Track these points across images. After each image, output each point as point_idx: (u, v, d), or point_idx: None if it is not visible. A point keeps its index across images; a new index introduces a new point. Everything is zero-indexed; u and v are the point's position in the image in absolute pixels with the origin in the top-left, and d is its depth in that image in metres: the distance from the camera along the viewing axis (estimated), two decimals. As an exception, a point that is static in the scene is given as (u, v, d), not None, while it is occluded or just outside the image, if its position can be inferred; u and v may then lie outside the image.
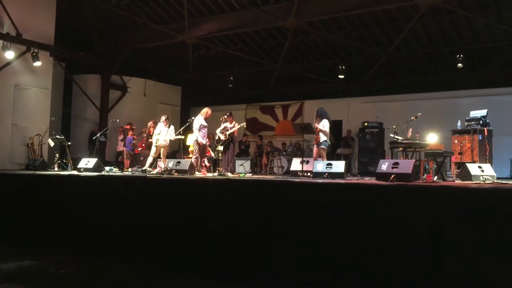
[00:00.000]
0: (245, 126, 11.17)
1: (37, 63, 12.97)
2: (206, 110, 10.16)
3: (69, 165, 10.82)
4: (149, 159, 10.80)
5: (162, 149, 10.53)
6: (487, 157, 8.26)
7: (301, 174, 8.61)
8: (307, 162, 8.88)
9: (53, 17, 13.72)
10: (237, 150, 14.36)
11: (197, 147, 9.95)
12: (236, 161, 13.61)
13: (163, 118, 10.78)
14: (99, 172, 8.98)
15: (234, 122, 10.32)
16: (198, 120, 10.02)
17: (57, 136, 11.36)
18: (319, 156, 8.90)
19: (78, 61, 15.55)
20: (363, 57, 15.34)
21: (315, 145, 9.02)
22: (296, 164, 9.12)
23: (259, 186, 6.20)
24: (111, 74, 15.83)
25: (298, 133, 9.57)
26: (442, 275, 4.34)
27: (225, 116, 10.44)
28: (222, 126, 10.35)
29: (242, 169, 13.11)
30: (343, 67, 15.06)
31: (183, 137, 11.00)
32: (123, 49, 15.61)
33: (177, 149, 12.56)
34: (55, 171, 10.09)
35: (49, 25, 13.66)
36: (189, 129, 11.01)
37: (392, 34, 13.67)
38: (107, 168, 9.97)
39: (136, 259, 6.28)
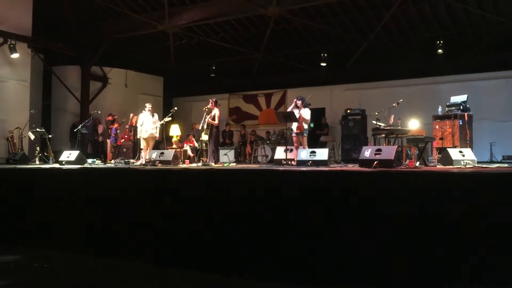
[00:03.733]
0: (216, 113, 10.35)
1: (15, 55, 12.76)
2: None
3: (51, 158, 10.68)
4: (145, 153, 10.30)
5: (151, 142, 10.36)
6: (468, 142, 8.37)
7: (285, 162, 8.64)
8: (291, 150, 8.91)
9: (30, 8, 13.46)
10: (221, 140, 14.35)
11: None
12: (220, 151, 13.59)
13: (148, 106, 10.58)
14: (81, 164, 8.89)
15: (215, 109, 9.82)
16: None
17: (37, 129, 11.20)
18: (300, 144, 8.93)
19: (57, 52, 15.29)
20: (345, 44, 15.37)
21: (295, 134, 8.99)
22: (280, 153, 9.14)
23: (243, 175, 6.20)
24: (91, 65, 15.62)
25: (282, 122, 9.55)
26: (425, 258, 4.41)
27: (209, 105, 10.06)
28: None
29: (226, 159, 13.10)
30: (325, 54, 15.08)
31: (170, 118, 10.71)
32: (103, 40, 15.36)
33: (160, 140, 12.48)
34: (36, 164, 9.97)
35: (26, 16, 13.40)
36: (172, 120, 10.91)
37: (373, 21, 13.71)
38: (89, 161, 9.88)
39: (122, 252, 6.26)
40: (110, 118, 13.79)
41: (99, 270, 5.88)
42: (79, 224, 6.76)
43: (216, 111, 9.65)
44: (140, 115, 10.58)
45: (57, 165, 9.11)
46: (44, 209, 7.17)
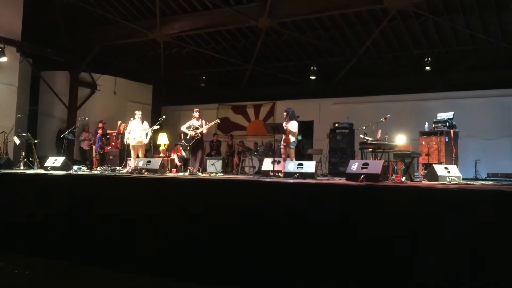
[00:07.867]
0: (218, 122, 11.02)
1: (3, 59, 12.66)
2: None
3: (36, 163, 10.56)
4: (133, 161, 10.25)
5: (140, 149, 10.31)
6: (453, 158, 8.46)
7: (272, 174, 8.64)
8: (278, 162, 8.94)
9: (20, 12, 13.39)
10: (208, 150, 14.35)
11: None
12: (208, 161, 13.56)
13: (138, 113, 10.53)
14: (67, 171, 8.80)
15: (201, 120, 10.11)
16: None
17: (23, 134, 11.08)
18: (288, 156, 9.00)
19: (46, 57, 15.19)
20: (334, 58, 15.50)
21: (283, 146, 9.09)
22: (267, 164, 9.16)
23: (230, 185, 6.20)
24: (80, 71, 15.54)
25: (270, 133, 9.60)
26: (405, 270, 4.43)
27: (196, 115, 10.25)
28: (187, 124, 10.22)
29: (214, 169, 13.06)
30: (315, 68, 15.19)
31: (158, 126, 10.68)
32: (93, 46, 15.31)
33: (147, 148, 12.41)
34: (21, 169, 9.85)
35: (16, 20, 13.33)
36: (160, 129, 10.85)
37: (362, 36, 13.86)
38: (75, 167, 9.78)
39: (107, 260, 6.19)
40: (101, 125, 13.78)
41: (79, 278, 5.81)
42: (66, 232, 6.68)
43: (202, 121, 9.84)
44: (130, 122, 10.54)
45: (42, 171, 9.00)
46: (27, 215, 7.08)
